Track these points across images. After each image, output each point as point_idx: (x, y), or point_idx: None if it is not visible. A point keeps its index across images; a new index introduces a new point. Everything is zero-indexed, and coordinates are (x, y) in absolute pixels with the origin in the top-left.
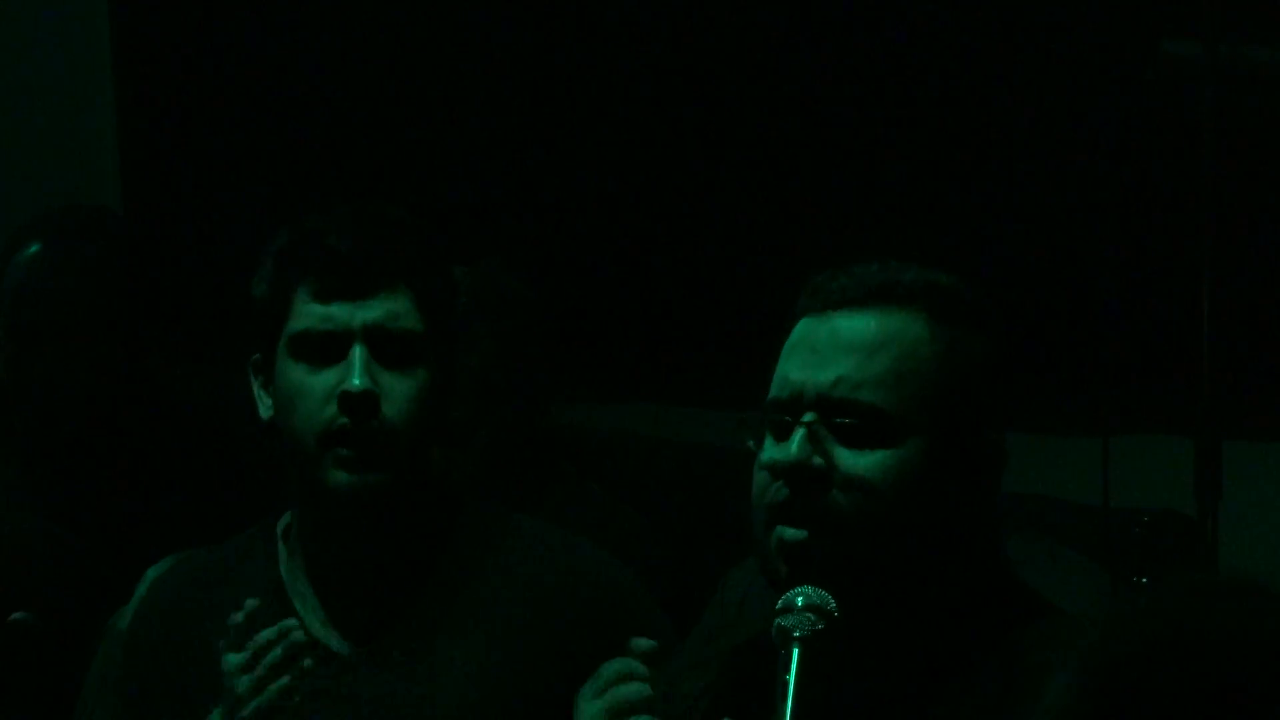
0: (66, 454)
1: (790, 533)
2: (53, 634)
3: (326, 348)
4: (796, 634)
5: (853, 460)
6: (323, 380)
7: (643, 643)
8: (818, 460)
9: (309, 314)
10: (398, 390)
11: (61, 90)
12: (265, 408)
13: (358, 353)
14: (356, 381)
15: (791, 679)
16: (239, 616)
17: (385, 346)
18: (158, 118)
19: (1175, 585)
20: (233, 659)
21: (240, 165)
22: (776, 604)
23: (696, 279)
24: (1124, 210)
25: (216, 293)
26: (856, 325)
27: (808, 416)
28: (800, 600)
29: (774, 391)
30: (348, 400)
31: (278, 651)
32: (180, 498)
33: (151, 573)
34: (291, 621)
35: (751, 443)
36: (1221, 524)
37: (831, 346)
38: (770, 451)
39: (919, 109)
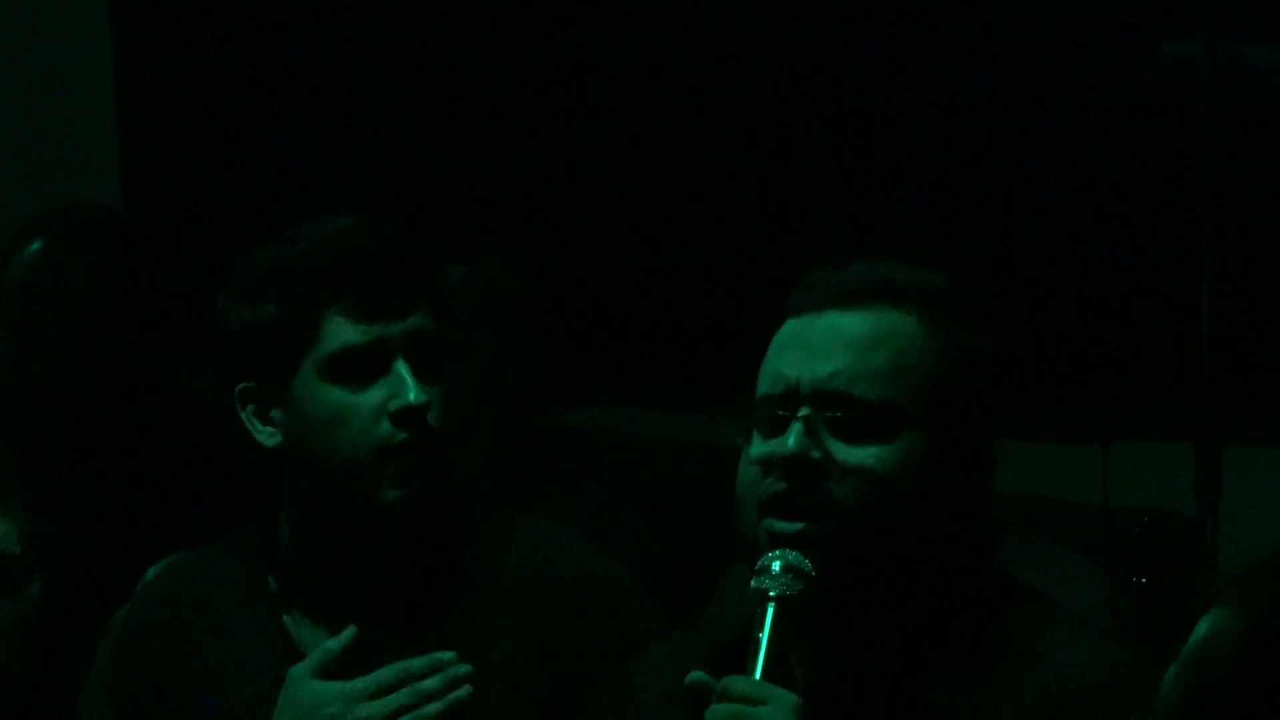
0: (66, 452)
1: (781, 525)
2: (52, 635)
3: (368, 365)
4: (772, 594)
5: (850, 454)
6: (368, 399)
7: None
8: (816, 453)
9: (347, 332)
10: (434, 400)
11: (62, 90)
12: (269, 435)
13: (404, 367)
14: (413, 396)
15: (764, 636)
16: None
17: (419, 358)
18: (158, 118)
19: None
20: None
21: (240, 165)
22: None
23: (696, 280)
24: (1123, 212)
25: (216, 292)
26: (852, 322)
27: (804, 410)
28: (777, 564)
29: (765, 388)
30: (409, 415)
31: None
32: (180, 497)
33: (151, 573)
34: None
35: (741, 440)
36: (1221, 526)
37: (827, 342)
38: (762, 446)
39: (919, 110)
